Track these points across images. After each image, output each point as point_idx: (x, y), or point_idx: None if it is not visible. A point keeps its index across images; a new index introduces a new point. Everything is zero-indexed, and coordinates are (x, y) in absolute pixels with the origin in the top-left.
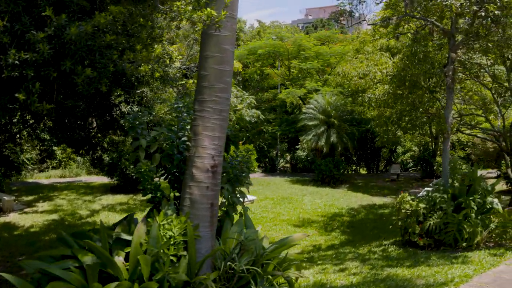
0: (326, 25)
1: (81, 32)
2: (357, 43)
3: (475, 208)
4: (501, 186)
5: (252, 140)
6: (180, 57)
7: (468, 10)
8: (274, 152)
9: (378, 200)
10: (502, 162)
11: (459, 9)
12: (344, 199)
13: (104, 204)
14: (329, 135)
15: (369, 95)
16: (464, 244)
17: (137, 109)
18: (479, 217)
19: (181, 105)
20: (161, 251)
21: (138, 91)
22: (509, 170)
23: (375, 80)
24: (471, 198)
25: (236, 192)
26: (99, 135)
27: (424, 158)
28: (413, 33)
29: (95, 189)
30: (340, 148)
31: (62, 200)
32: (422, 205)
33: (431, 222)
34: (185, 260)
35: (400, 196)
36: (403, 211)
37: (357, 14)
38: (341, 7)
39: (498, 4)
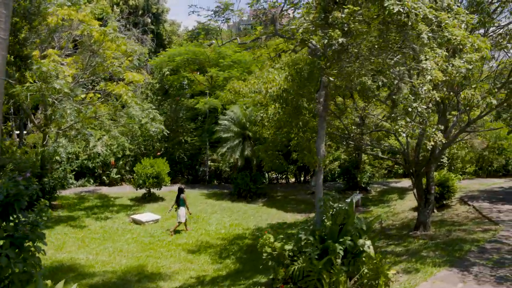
0: (265, 28)
1: None
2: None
3: (341, 253)
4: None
5: (171, 151)
6: (74, 70)
7: (312, 36)
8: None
9: (291, 217)
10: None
11: (301, 35)
12: (255, 217)
13: None
14: (244, 148)
15: (261, 114)
16: None
17: None
18: (350, 262)
19: None
20: None
21: None
22: (414, 191)
23: (268, 98)
24: (341, 240)
25: (30, 255)
26: None
27: (347, 169)
28: (291, 52)
29: None
30: (255, 161)
31: None
32: (288, 247)
33: (295, 267)
34: None
35: (263, 237)
36: (264, 254)
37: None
38: (199, 26)
39: (345, 29)
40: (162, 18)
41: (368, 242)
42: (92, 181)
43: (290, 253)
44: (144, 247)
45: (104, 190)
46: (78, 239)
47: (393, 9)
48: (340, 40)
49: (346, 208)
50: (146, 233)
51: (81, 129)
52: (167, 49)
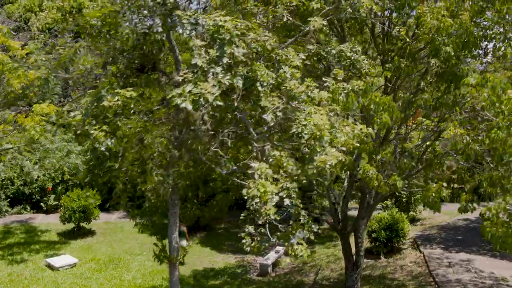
0: None
1: None
2: None
3: None
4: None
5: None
6: None
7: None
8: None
9: (223, 260)
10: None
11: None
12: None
13: None
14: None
15: None
16: None
17: None
18: None
19: None
20: None
21: None
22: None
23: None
24: None
25: None
26: None
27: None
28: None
29: None
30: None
31: None
32: None
33: None
34: None
35: None
36: None
37: None
38: None
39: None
40: None
41: None
42: (29, 208)
43: None
44: None
45: (38, 219)
46: None
47: (175, 100)
48: (105, 144)
49: None
50: (53, 285)
51: None
52: None
